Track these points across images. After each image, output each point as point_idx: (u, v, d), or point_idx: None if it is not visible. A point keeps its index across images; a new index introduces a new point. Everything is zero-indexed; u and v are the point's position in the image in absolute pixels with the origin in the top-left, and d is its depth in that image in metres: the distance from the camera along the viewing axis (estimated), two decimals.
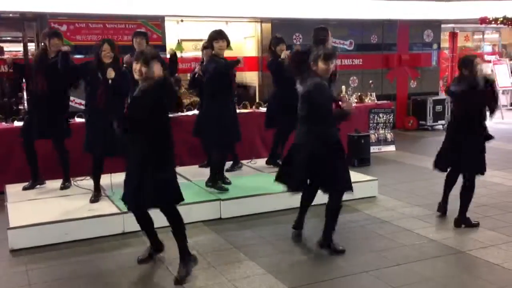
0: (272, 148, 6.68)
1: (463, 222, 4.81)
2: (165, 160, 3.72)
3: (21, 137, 5.68)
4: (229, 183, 5.67)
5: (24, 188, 5.68)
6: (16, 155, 6.09)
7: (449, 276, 3.82)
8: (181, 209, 4.98)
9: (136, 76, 3.69)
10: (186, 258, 3.82)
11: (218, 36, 5.32)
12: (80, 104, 7.91)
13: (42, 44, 5.67)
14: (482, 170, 4.77)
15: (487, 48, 14.51)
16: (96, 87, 4.97)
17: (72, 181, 5.81)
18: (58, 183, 5.75)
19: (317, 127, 4.19)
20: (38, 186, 5.77)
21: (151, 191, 3.66)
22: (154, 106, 3.61)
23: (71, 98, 7.81)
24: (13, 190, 5.67)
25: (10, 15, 8.31)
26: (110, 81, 4.90)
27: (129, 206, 3.89)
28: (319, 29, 5.88)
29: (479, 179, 4.89)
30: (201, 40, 6.09)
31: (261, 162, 6.84)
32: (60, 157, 5.69)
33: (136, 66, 3.66)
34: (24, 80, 6.07)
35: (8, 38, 10.39)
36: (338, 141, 4.32)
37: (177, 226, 3.83)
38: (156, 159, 3.66)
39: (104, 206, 5.01)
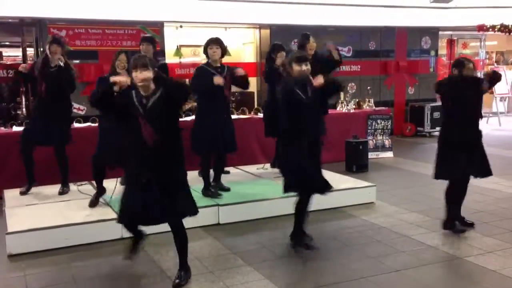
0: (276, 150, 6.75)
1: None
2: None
3: (21, 141, 5.67)
4: (227, 189, 5.67)
5: (22, 193, 5.68)
6: (14, 160, 6.08)
7: (446, 283, 3.83)
8: None
9: (145, 83, 3.59)
10: (186, 266, 3.85)
11: (211, 42, 5.39)
12: (78, 109, 7.94)
13: (44, 50, 5.76)
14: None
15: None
16: None
17: (71, 186, 5.82)
18: (56, 188, 5.76)
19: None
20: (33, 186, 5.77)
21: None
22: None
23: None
24: (11, 194, 5.67)
25: (9, 20, 8.32)
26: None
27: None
28: (302, 35, 6.16)
29: (475, 185, 4.90)
30: (199, 46, 6.10)
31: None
32: (60, 162, 5.70)
33: (138, 74, 3.57)
34: (23, 86, 6.09)
35: (7, 43, 10.41)
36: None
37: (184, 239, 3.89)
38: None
39: (103, 211, 5.01)
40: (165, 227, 3.85)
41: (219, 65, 5.45)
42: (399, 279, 3.87)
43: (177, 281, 3.76)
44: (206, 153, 5.56)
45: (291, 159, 4.32)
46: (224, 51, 5.48)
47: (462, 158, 4.60)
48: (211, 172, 5.68)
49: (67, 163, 5.74)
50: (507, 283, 3.77)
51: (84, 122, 6.87)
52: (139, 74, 3.56)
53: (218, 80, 5.15)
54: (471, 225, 4.94)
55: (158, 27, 8.86)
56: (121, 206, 3.75)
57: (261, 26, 10.11)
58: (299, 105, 4.23)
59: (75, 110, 7.64)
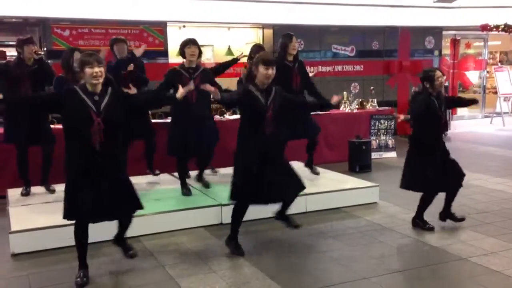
0: None
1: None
2: None
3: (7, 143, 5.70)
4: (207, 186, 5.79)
5: (23, 194, 5.69)
6: (15, 160, 6.09)
7: (450, 283, 3.81)
8: (182, 214, 5.05)
9: (100, 80, 3.63)
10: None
11: (190, 42, 5.41)
12: None
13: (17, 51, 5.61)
14: None
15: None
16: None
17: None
18: (58, 187, 5.74)
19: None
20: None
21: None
22: None
23: None
24: (15, 194, 5.69)
25: (13, 20, 8.35)
26: None
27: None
28: (283, 36, 6.05)
29: (479, 186, 4.89)
30: (203, 46, 6.10)
31: None
32: (49, 161, 5.70)
33: (97, 70, 3.59)
34: None
35: (11, 43, 10.43)
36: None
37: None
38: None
39: None
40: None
41: (194, 66, 5.43)
42: (402, 280, 3.86)
43: (131, 252, 4.02)
44: (178, 156, 5.61)
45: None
46: (200, 52, 5.52)
47: None
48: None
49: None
50: (511, 283, 3.76)
51: None
52: (97, 69, 3.59)
53: (180, 92, 4.34)
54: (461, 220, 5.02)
55: (161, 27, 8.87)
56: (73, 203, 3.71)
57: (264, 26, 10.11)
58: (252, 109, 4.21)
59: None
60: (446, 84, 11.91)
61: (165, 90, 5.26)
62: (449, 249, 4.42)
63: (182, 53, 5.48)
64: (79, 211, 3.67)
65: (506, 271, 3.94)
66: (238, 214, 4.36)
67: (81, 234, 3.80)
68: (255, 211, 5.27)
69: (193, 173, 6.22)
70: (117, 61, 5.86)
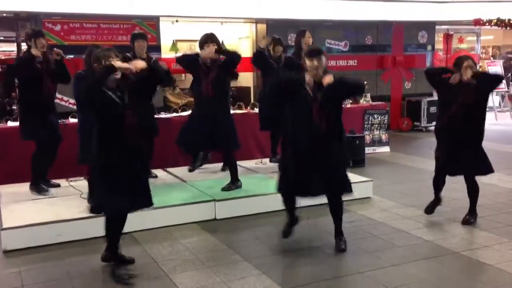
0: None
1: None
2: None
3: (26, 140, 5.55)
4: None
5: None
6: (10, 156, 6.05)
7: (443, 277, 3.82)
8: (176, 209, 5.03)
9: (119, 75, 3.66)
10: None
11: (209, 39, 5.34)
12: (75, 104, 7.89)
13: (27, 45, 5.40)
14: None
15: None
16: None
17: (64, 182, 5.81)
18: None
19: None
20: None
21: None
22: None
23: (65, 98, 7.84)
24: (7, 190, 5.64)
25: (4, 14, 8.26)
26: None
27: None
28: (298, 32, 6.21)
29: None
30: (196, 40, 6.06)
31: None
32: (51, 159, 5.60)
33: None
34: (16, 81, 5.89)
35: (1, 38, 10.35)
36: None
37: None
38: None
39: None
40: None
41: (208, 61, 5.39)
42: (396, 274, 3.86)
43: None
44: (186, 151, 5.66)
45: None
46: (220, 47, 5.45)
47: None
48: None
49: None
50: (504, 277, 3.77)
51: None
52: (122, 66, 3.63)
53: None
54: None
55: (154, 21, 8.81)
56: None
57: (257, 21, 10.07)
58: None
59: (70, 105, 7.62)
60: None
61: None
62: (442, 243, 4.43)
63: (202, 48, 5.40)
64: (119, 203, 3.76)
65: (498, 265, 3.96)
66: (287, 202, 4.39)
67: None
68: (252, 207, 5.29)
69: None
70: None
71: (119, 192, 3.67)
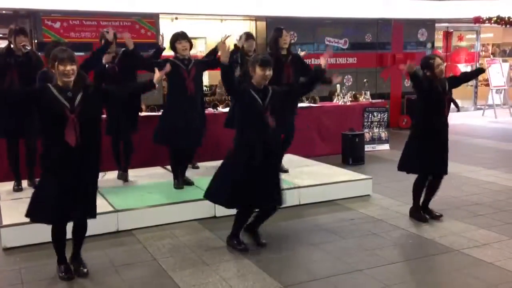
0: None
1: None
2: None
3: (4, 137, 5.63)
4: (191, 183, 5.66)
5: (15, 190, 5.62)
6: (6, 154, 6.03)
7: (442, 275, 3.83)
8: (175, 207, 5.03)
9: (71, 78, 3.56)
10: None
11: (180, 37, 5.39)
12: None
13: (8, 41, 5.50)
14: None
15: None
16: None
17: None
18: None
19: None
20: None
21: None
22: None
23: None
24: (6, 188, 5.64)
25: (3, 11, 8.25)
26: None
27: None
28: (275, 30, 5.99)
29: (472, 178, 4.91)
30: (195, 38, 6.06)
31: None
32: (32, 155, 5.54)
33: (69, 68, 3.52)
34: None
35: (0, 35, 10.31)
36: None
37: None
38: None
39: (98, 205, 4.97)
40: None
41: (187, 57, 5.43)
42: (395, 272, 3.87)
43: (85, 270, 3.84)
44: (170, 147, 5.59)
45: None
46: (191, 45, 5.51)
47: None
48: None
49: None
50: (503, 275, 3.78)
51: None
52: (69, 67, 3.51)
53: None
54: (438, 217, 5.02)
55: (153, 19, 8.80)
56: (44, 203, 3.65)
57: (257, 18, 10.07)
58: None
59: None
60: None
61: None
62: (441, 241, 4.44)
63: (173, 47, 5.45)
64: (50, 211, 3.61)
65: (497, 263, 3.97)
66: (241, 216, 4.30)
67: (58, 231, 3.74)
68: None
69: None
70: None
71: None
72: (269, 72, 4.11)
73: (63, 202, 3.57)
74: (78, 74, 3.63)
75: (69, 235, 3.81)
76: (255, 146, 4.05)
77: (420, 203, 4.99)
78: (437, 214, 5.00)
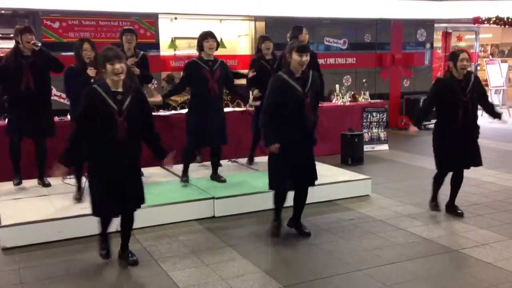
0: None
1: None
2: None
3: (8, 135, 5.62)
4: (223, 180, 5.71)
5: (15, 184, 5.64)
6: (6, 153, 6.02)
7: (441, 275, 3.83)
8: (175, 207, 5.03)
9: (121, 77, 3.57)
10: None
11: (209, 35, 5.41)
12: (60, 97, 7.85)
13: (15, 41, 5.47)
14: None
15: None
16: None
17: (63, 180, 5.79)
18: (51, 181, 5.70)
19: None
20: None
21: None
22: None
23: (59, 93, 7.81)
24: (5, 188, 5.63)
25: (2, 11, 8.24)
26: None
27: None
28: (294, 28, 6.12)
29: (471, 178, 4.93)
30: (194, 38, 6.05)
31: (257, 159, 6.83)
32: (43, 155, 5.60)
33: (118, 66, 3.52)
34: None
35: None
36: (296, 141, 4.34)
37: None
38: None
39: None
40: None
41: (212, 58, 5.44)
42: (395, 272, 3.87)
43: (134, 258, 3.96)
44: (191, 146, 5.67)
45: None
46: (218, 45, 5.51)
47: None
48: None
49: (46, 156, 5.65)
50: (503, 275, 3.78)
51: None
52: (117, 66, 3.52)
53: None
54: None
55: (152, 19, 8.80)
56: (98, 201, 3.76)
57: (256, 18, 10.07)
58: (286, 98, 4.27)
59: (60, 100, 7.60)
60: None
61: (185, 85, 5.55)
62: (440, 241, 4.44)
63: (200, 46, 5.44)
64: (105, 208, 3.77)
65: (497, 263, 3.97)
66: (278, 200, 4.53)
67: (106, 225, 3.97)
68: (251, 205, 5.29)
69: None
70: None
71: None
72: (306, 58, 4.22)
73: (112, 200, 3.71)
74: (127, 73, 3.63)
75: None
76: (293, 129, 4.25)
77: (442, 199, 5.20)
78: (459, 212, 5.11)
